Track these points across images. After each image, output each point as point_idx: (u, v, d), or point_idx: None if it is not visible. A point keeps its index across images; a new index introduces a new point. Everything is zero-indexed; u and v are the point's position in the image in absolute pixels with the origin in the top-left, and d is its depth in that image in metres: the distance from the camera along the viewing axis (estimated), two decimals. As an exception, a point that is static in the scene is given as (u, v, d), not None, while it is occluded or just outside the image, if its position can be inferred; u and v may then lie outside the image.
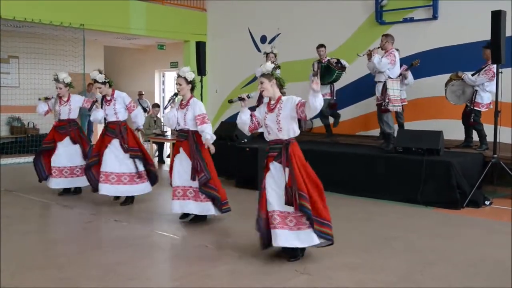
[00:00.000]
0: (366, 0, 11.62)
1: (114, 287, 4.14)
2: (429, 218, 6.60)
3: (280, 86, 4.87)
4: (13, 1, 11.18)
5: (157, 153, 12.32)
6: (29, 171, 6.72)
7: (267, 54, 10.61)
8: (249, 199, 7.73)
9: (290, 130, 4.77)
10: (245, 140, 9.68)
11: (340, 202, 7.47)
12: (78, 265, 4.68)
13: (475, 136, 8.63)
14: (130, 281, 4.27)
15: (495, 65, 7.82)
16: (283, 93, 4.96)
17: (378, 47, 8.57)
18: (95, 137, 15.85)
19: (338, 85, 10.74)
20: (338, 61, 10.02)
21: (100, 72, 7.30)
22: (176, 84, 6.14)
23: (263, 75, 4.80)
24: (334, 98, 10.31)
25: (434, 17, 10.62)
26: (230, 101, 5.53)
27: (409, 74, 9.58)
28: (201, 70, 11.68)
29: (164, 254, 5.34)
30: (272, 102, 4.82)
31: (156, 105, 13.19)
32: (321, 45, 10.38)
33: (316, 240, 4.67)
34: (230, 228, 6.15)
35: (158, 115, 12.92)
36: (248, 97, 5.07)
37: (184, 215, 6.31)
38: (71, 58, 13.11)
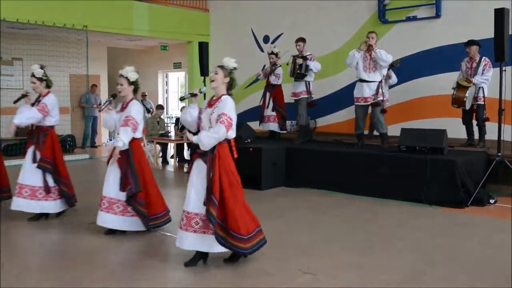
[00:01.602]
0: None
1: (119, 287, 4.14)
2: (433, 217, 6.57)
3: (230, 87, 4.69)
4: (16, 4, 11.19)
5: (161, 154, 12.33)
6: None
7: (268, 54, 10.59)
8: (253, 200, 7.72)
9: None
10: (249, 140, 9.66)
11: (345, 202, 7.46)
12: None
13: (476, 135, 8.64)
14: (135, 281, 4.26)
15: (487, 58, 8.00)
16: (230, 95, 4.73)
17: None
18: (99, 139, 15.92)
19: (339, 85, 10.71)
20: (301, 66, 9.36)
21: (41, 67, 6.46)
22: (117, 84, 5.68)
23: (221, 67, 4.64)
24: (312, 96, 9.63)
25: (437, 15, 10.59)
26: (182, 98, 5.24)
27: (393, 74, 9.54)
28: (204, 70, 11.68)
29: (168, 253, 5.31)
30: (214, 98, 4.65)
31: (160, 106, 13.18)
32: (299, 39, 9.68)
33: (218, 248, 4.46)
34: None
35: (162, 116, 12.91)
36: (200, 92, 4.90)
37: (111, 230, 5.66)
38: (75, 60, 13.14)
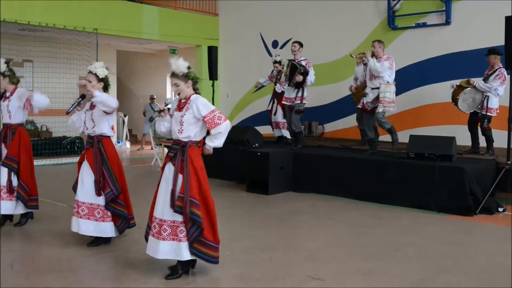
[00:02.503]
0: (379, 3, 11.60)
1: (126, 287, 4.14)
2: (441, 224, 6.54)
3: (195, 84, 4.52)
4: (28, 6, 11.29)
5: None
6: (40, 173, 6.70)
7: (273, 63, 10.56)
8: (259, 203, 7.75)
9: (192, 133, 4.40)
10: (256, 145, 9.67)
11: (353, 208, 7.44)
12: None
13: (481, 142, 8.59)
14: (143, 284, 4.27)
15: (504, 69, 7.85)
16: (196, 90, 4.56)
17: (363, 53, 8.54)
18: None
19: (348, 91, 10.65)
20: (292, 75, 8.98)
21: (6, 62, 6.08)
22: (85, 80, 5.19)
23: (176, 76, 4.39)
24: (301, 102, 9.16)
25: (447, 22, 10.58)
26: (151, 119, 4.82)
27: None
28: (213, 74, 11.71)
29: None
30: (183, 100, 4.47)
31: (168, 110, 13.19)
32: (296, 41, 9.44)
33: (187, 256, 4.29)
34: (239, 232, 6.12)
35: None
36: (166, 105, 4.75)
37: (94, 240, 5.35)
38: (85, 62, 13.16)
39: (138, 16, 13.46)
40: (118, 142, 16.60)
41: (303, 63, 9.04)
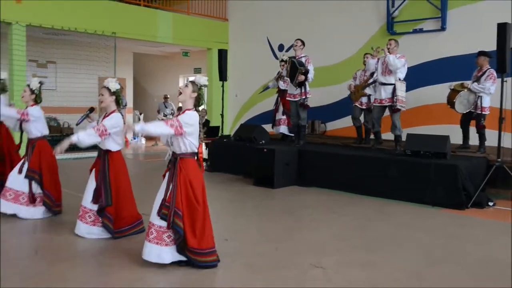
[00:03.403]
0: (379, 10, 11.58)
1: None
2: (436, 218, 6.53)
3: (197, 103, 4.37)
4: (51, 11, 11.33)
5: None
6: (62, 166, 6.70)
7: (279, 62, 10.54)
8: (266, 197, 7.76)
9: (181, 145, 4.27)
10: (263, 142, 9.67)
11: (353, 202, 7.43)
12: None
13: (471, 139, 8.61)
14: (158, 269, 4.28)
15: (493, 70, 7.88)
16: (197, 110, 4.39)
17: (382, 49, 8.40)
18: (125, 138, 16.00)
19: (346, 93, 10.62)
20: (293, 71, 8.91)
21: (40, 82, 6.20)
22: (99, 95, 5.26)
23: (192, 82, 4.37)
24: (305, 97, 9.04)
25: (443, 28, 10.55)
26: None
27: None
28: (222, 75, 11.70)
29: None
30: (180, 112, 4.38)
31: (180, 109, 13.22)
32: (298, 39, 9.31)
33: (167, 259, 4.27)
34: (246, 223, 6.13)
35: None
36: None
37: None
38: (103, 64, 13.23)
39: (153, 21, 13.46)
40: (134, 138, 16.64)
41: (303, 59, 9.00)
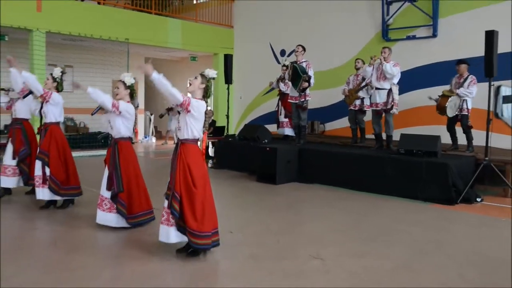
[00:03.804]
0: (375, 18, 11.58)
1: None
2: (427, 212, 6.54)
3: (205, 94, 4.40)
4: (69, 19, 11.38)
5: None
6: (78, 163, 6.73)
7: (281, 66, 10.56)
8: (268, 192, 7.78)
9: (184, 131, 4.29)
10: (266, 141, 9.69)
11: (349, 197, 7.45)
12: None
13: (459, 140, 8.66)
14: (163, 258, 4.31)
15: (472, 75, 8.14)
16: (205, 101, 4.41)
17: (378, 58, 8.46)
18: (136, 137, 16.05)
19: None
20: (305, 89, 8.95)
21: (62, 71, 6.34)
22: (114, 88, 5.30)
23: (202, 74, 4.41)
24: (304, 100, 9.06)
25: (434, 35, 10.55)
26: (161, 116, 5.16)
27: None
28: (228, 79, 11.72)
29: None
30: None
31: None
32: (300, 45, 9.32)
33: (174, 239, 4.32)
34: (250, 217, 6.15)
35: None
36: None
37: None
38: (117, 68, 13.28)
39: (163, 28, 13.50)
40: (145, 138, 16.68)
41: (304, 64, 9.03)
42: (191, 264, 4.25)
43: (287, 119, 10.47)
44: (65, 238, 5.03)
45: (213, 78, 4.43)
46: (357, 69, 9.56)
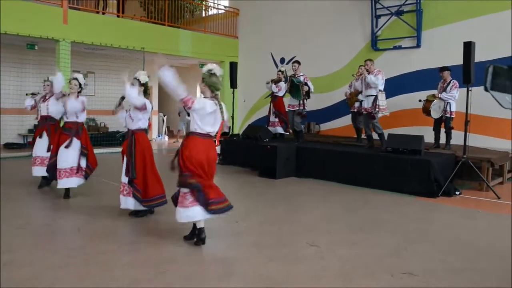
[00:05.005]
0: (365, 29, 11.55)
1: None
2: (412, 205, 6.51)
3: (211, 89, 4.24)
4: (91, 30, 11.39)
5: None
6: (99, 159, 6.72)
7: (277, 71, 10.53)
8: (269, 186, 7.76)
9: (190, 124, 4.29)
10: (267, 140, 9.66)
11: (342, 191, 7.42)
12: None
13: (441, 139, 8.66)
14: (177, 243, 4.29)
15: (455, 80, 8.21)
16: (214, 97, 4.24)
17: (361, 69, 8.64)
18: (150, 135, 16.02)
19: (338, 98, 10.60)
20: (292, 87, 9.11)
21: (84, 76, 6.52)
22: (130, 85, 5.16)
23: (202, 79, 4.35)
24: (303, 108, 9.30)
25: (418, 45, 10.53)
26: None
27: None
28: (233, 84, 11.67)
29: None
30: None
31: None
32: (295, 61, 9.62)
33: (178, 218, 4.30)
34: (252, 208, 6.12)
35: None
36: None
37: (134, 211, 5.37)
38: (134, 74, 13.20)
39: (175, 38, 13.48)
40: (159, 136, 16.65)
41: (301, 78, 9.20)
42: (201, 249, 4.24)
43: (277, 119, 10.39)
44: (88, 226, 5.02)
45: (209, 71, 4.23)
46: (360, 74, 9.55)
